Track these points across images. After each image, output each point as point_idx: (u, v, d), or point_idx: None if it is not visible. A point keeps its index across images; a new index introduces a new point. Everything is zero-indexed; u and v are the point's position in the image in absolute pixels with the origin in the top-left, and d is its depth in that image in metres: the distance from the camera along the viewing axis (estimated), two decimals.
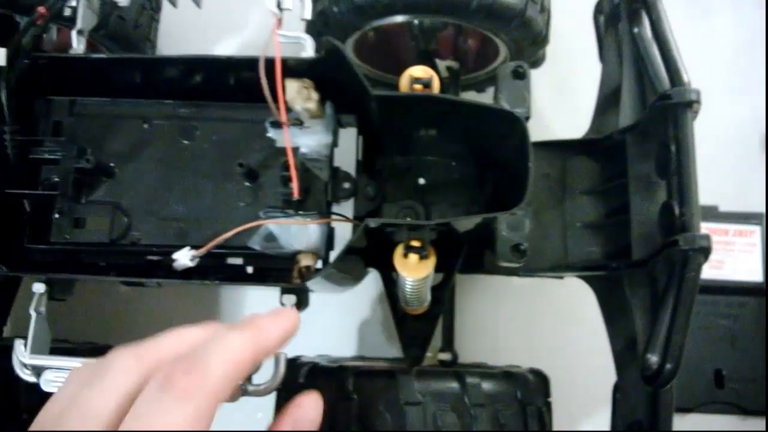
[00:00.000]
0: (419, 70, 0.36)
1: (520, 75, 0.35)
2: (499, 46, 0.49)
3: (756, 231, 0.58)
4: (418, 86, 0.36)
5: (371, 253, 0.42)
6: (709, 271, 0.56)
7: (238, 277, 0.42)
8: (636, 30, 0.40)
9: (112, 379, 0.25)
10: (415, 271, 0.34)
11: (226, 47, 0.64)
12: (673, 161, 0.35)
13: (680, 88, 0.35)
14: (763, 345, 0.56)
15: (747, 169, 0.61)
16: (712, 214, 0.58)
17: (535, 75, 0.48)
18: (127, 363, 0.25)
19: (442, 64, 0.49)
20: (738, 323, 0.57)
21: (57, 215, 0.41)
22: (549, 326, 0.59)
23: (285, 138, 0.38)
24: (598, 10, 0.50)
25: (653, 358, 0.34)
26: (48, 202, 0.41)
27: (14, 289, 0.50)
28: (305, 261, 0.39)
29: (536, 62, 0.52)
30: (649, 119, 0.39)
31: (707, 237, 0.33)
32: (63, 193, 0.41)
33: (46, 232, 0.41)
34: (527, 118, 0.34)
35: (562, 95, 0.61)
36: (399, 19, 0.45)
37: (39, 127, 0.42)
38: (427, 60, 0.49)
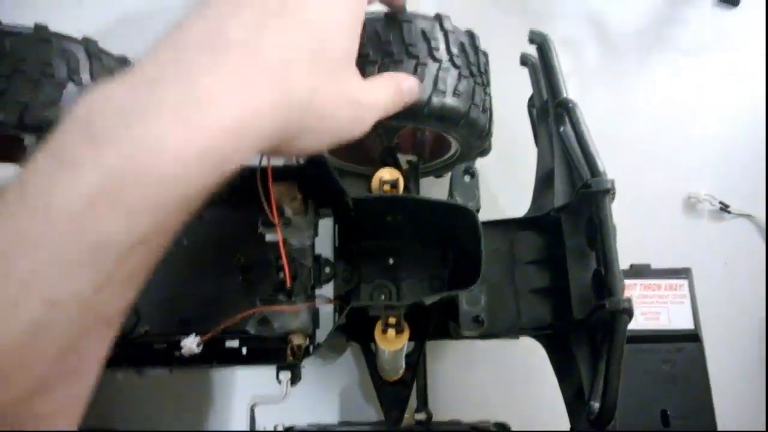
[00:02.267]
0: (387, 173, 0.44)
1: (471, 174, 0.43)
2: (450, 141, 0.57)
3: (684, 284, 0.66)
4: (386, 187, 0.43)
5: (352, 328, 0.49)
6: (647, 323, 0.64)
7: (237, 359, 0.47)
8: (561, 129, 0.48)
9: None
10: (392, 344, 0.41)
11: None
12: (597, 237, 0.43)
13: (598, 179, 0.43)
14: (700, 384, 0.63)
15: (672, 229, 0.70)
16: (646, 271, 0.66)
17: (486, 159, 0.57)
18: None
19: (403, 158, 0.57)
20: (677, 367, 0.65)
21: None
22: (513, 381, 0.65)
23: (278, 236, 0.45)
24: (531, 104, 0.59)
25: (595, 404, 0.41)
26: None
27: None
28: (297, 340, 0.45)
29: (484, 151, 0.60)
30: (576, 201, 0.47)
31: (629, 300, 0.40)
32: None
33: None
34: (477, 210, 0.42)
35: (509, 175, 0.69)
36: None
37: None
38: (390, 155, 0.57)
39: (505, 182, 0.69)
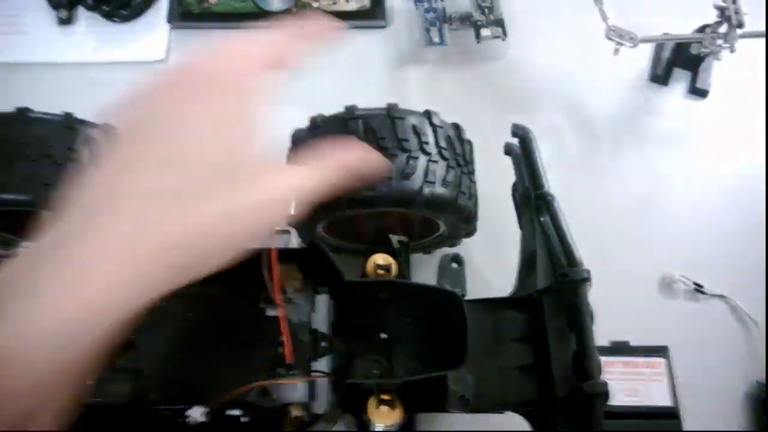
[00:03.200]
0: (381, 258, 0.48)
1: (458, 261, 0.47)
2: (439, 223, 0.62)
3: (662, 362, 0.69)
4: (380, 271, 0.47)
5: (346, 401, 0.51)
6: (626, 399, 0.67)
7: (238, 428, 0.50)
8: (541, 218, 0.53)
9: None
10: (386, 418, 0.44)
11: None
12: (575, 323, 0.46)
13: (575, 269, 0.47)
14: None
15: (649, 308, 0.73)
16: (625, 349, 0.69)
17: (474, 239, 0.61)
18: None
19: (394, 238, 0.61)
20: None
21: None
22: None
23: (280, 314, 0.48)
24: (514, 188, 0.63)
25: None
26: None
27: None
28: (295, 412, 0.48)
29: (470, 233, 0.64)
30: (556, 285, 0.50)
31: (604, 384, 0.44)
32: None
33: None
34: (464, 296, 0.45)
35: (495, 253, 0.73)
36: (361, 211, 0.57)
37: None
38: (383, 239, 0.61)
39: (490, 260, 0.73)
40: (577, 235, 0.74)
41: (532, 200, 0.54)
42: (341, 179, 0.37)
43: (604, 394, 0.43)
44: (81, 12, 0.87)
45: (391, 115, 0.57)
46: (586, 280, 0.46)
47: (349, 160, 0.38)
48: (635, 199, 0.78)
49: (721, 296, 0.73)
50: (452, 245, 0.67)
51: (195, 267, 0.32)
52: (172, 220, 0.29)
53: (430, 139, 0.57)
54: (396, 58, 0.86)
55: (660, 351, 0.70)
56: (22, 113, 0.58)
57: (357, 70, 0.85)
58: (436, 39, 0.84)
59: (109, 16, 0.86)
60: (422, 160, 0.55)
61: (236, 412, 0.51)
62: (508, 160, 0.61)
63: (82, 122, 0.58)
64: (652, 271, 0.74)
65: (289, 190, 0.35)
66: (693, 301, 0.73)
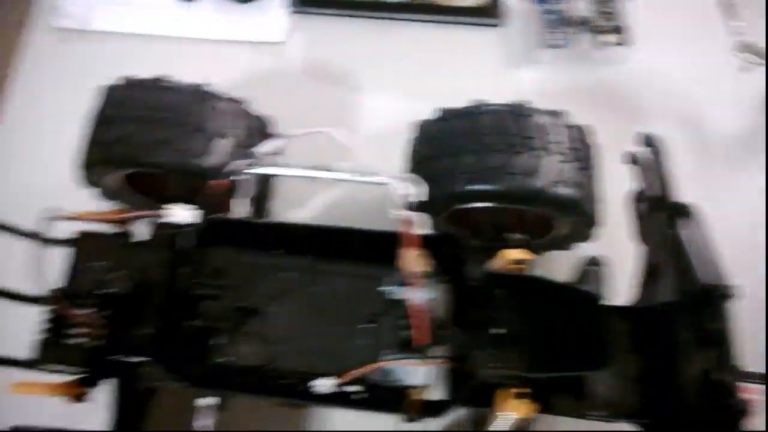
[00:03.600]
0: (518, 253, 0.48)
1: (596, 264, 0.46)
2: (555, 224, 0.61)
3: None
4: (515, 265, 0.47)
5: (467, 391, 0.51)
6: None
7: (357, 403, 0.50)
8: (676, 230, 0.51)
9: None
10: (520, 411, 0.43)
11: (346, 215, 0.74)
12: (713, 340, 0.45)
13: (718, 285, 0.45)
14: None
15: None
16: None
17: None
18: None
19: (513, 236, 0.61)
20: None
21: (215, 342, 0.51)
22: None
23: (411, 297, 0.49)
24: (636, 198, 0.62)
25: None
26: (208, 331, 0.51)
27: (152, 399, 0.58)
28: (416, 395, 0.48)
29: (587, 237, 0.63)
30: (691, 301, 0.49)
31: (744, 401, 0.42)
32: (220, 325, 0.51)
33: (207, 356, 0.51)
34: (600, 298, 0.45)
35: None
36: (483, 204, 0.58)
37: (202, 271, 0.53)
38: (499, 232, 0.60)
39: None
40: None
41: (666, 210, 0.53)
42: None
43: (744, 412, 0.42)
44: None
45: (519, 112, 0.57)
46: (730, 296, 0.45)
47: None
48: (755, 220, 0.75)
49: None
50: (565, 248, 0.66)
51: None
52: None
53: (559, 138, 0.56)
54: (510, 57, 0.85)
55: None
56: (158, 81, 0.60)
57: (470, 67, 0.85)
58: (554, 41, 0.83)
59: None
60: (550, 158, 0.54)
61: (355, 388, 0.52)
62: (617, 167, 0.60)
63: (213, 94, 0.60)
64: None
65: None
66: None
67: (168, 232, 0.50)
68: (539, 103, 0.80)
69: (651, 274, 0.57)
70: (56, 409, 0.56)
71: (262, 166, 0.56)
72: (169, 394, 0.57)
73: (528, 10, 0.87)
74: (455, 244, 0.48)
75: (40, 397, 0.56)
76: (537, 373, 0.44)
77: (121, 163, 0.58)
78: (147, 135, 0.57)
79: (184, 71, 0.62)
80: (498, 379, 0.46)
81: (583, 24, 0.84)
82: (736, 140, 0.80)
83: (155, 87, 0.60)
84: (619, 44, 0.82)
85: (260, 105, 0.66)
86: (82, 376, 0.56)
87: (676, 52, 0.84)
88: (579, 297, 0.45)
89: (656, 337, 0.53)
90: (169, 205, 0.50)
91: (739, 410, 0.42)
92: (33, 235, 0.56)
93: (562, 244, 0.64)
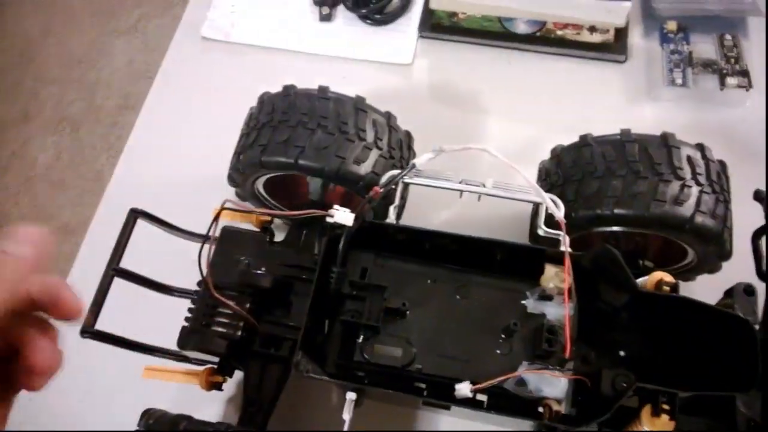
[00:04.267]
0: (667, 276, 0.49)
1: (749, 292, 0.47)
2: (684, 252, 0.62)
3: None
4: (666, 288, 0.49)
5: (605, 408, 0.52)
6: None
7: (497, 407, 0.51)
8: None
9: None
10: (661, 426, 0.45)
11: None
12: None
13: None
14: None
15: None
16: None
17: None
18: None
19: (646, 263, 0.62)
20: None
21: (360, 340, 0.54)
22: None
23: (550, 311, 0.51)
24: (756, 235, 0.62)
25: None
26: (355, 328, 0.54)
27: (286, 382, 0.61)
28: (555, 406, 0.50)
29: (714, 269, 0.64)
30: None
31: None
32: (367, 324, 0.54)
33: (351, 352, 0.54)
34: (756, 326, 0.46)
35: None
36: (622, 229, 0.60)
37: (349, 271, 0.57)
38: (631, 258, 0.62)
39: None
40: None
41: None
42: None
43: None
44: (340, 11, 0.95)
45: (668, 143, 0.59)
46: None
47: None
48: None
49: None
50: (686, 279, 0.67)
51: None
52: None
53: (703, 170, 0.58)
54: (633, 93, 0.87)
55: None
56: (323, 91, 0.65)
57: (592, 100, 0.87)
58: (679, 80, 0.84)
59: (364, 18, 0.93)
60: (695, 189, 0.56)
61: (485, 397, 0.54)
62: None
63: (369, 106, 0.64)
64: None
65: None
66: None
67: (331, 233, 0.54)
68: None
69: None
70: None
71: (418, 177, 0.59)
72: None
73: (653, 49, 0.89)
74: (617, 266, 0.50)
75: (164, 383, 0.60)
76: (682, 390, 0.45)
77: (279, 165, 0.62)
78: (307, 140, 0.61)
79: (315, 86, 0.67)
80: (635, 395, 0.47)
81: (707, 66, 0.85)
82: None
83: (315, 96, 0.64)
84: (742, 87, 0.83)
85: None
86: (219, 364, 0.60)
87: None
88: (731, 320, 0.46)
89: None
90: (335, 207, 0.54)
91: None
92: (181, 230, 0.61)
93: (690, 273, 0.65)
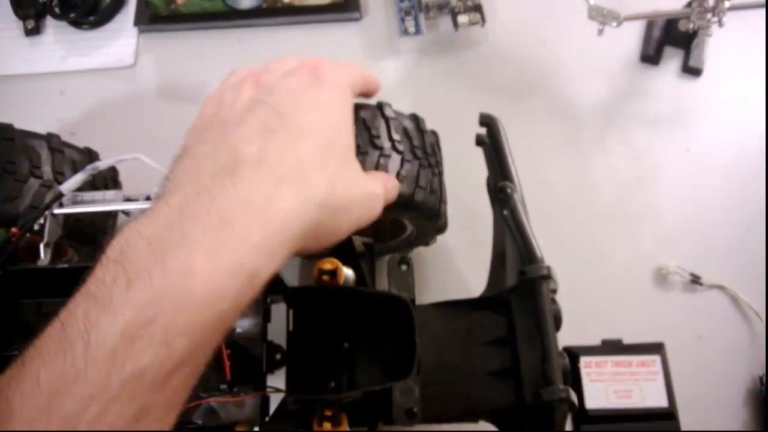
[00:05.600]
0: (327, 263, 0.44)
1: (406, 263, 0.43)
2: (406, 222, 0.58)
3: (657, 360, 0.65)
4: (325, 277, 0.44)
5: (299, 416, 0.48)
6: (619, 401, 0.63)
7: None
8: (504, 212, 0.49)
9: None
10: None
11: None
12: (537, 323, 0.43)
13: (534, 266, 0.43)
14: None
15: (644, 302, 0.69)
16: (617, 347, 0.65)
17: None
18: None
19: (358, 240, 0.58)
20: None
21: None
22: None
23: None
24: (488, 182, 0.59)
25: None
26: None
27: None
28: (241, 429, 0.45)
29: (440, 229, 0.60)
30: (520, 284, 0.47)
31: (566, 389, 0.40)
32: None
33: None
34: (412, 300, 0.42)
35: (473, 252, 0.69)
36: None
37: (11, 327, 0.49)
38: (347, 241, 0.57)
39: (468, 258, 0.69)
40: (563, 226, 0.71)
41: (493, 195, 0.51)
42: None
43: (564, 401, 0.39)
44: (49, 21, 0.85)
45: (385, 114, 0.54)
46: (546, 277, 0.43)
47: (396, 187, 0.46)
48: (626, 187, 0.73)
49: (719, 287, 0.68)
50: (426, 244, 0.63)
51: (326, 234, 0.35)
52: (317, 181, 0.33)
53: (382, 132, 0.53)
54: (371, 51, 0.83)
55: (655, 348, 0.65)
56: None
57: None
58: (412, 29, 0.80)
59: (76, 23, 0.84)
60: (372, 155, 0.51)
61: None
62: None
63: (22, 133, 0.56)
64: (646, 263, 0.70)
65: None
66: (689, 293, 0.69)
67: None
68: (403, 94, 0.78)
69: (499, 261, 0.54)
70: None
71: (72, 204, 0.52)
72: None
73: (389, 1, 0.84)
74: None
75: None
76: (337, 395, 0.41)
77: None
78: None
79: (29, 111, 0.59)
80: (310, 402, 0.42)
81: (441, 8, 0.81)
82: (608, 104, 0.78)
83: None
84: (476, 24, 0.80)
85: (108, 133, 0.63)
86: None
87: (537, 25, 0.83)
88: (390, 302, 0.42)
89: (505, 326, 0.51)
90: None
91: (556, 399, 0.39)
92: None
93: (418, 241, 0.61)
